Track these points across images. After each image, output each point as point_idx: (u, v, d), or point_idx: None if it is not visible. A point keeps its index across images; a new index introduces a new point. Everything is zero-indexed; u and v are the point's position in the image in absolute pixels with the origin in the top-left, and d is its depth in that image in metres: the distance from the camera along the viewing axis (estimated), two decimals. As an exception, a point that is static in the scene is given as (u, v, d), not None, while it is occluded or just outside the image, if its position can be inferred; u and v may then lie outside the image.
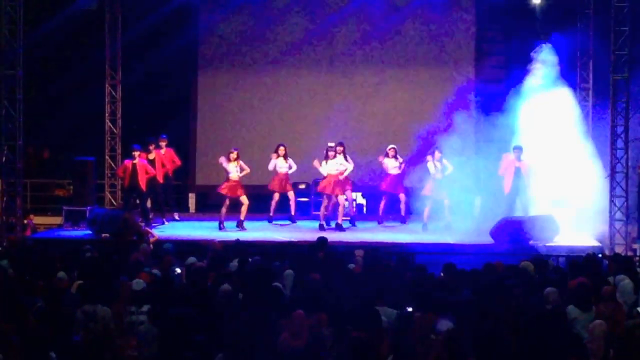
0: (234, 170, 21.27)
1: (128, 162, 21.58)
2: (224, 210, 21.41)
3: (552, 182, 21.33)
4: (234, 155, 21.31)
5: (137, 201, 21.88)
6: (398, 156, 21.97)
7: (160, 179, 22.10)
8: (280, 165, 21.87)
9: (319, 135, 24.17)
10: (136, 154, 21.42)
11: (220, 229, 21.24)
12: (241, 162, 21.35)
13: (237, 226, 21.27)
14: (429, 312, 11.14)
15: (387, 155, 21.99)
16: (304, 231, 21.00)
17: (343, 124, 24.71)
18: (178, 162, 22.96)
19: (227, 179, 21.38)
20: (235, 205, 21.53)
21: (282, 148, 21.90)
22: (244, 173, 21.34)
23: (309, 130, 24.57)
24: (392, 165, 21.96)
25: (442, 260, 15.28)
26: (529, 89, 22.91)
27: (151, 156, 21.96)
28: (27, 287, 13.12)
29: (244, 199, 21.29)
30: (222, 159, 21.22)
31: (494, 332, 10.21)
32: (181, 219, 23.06)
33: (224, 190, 21.35)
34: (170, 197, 23.12)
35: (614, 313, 11.80)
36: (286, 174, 21.92)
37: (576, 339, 10.24)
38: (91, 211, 21.21)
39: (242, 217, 21.33)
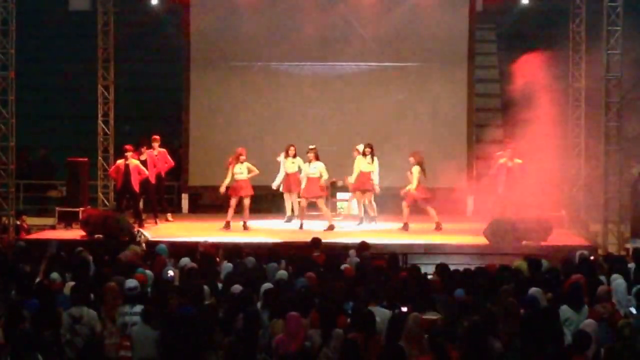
0: (239, 170, 21.27)
1: (120, 163, 21.57)
2: (230, 210, 21.44)
3: (545, 182, 21.37)
4: (243, 156, 21.31)
5: (130, 202, 21.87)
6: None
7: (152, 180, 22.08)
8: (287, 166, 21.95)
9: (312, 135, 24.17)
10: (128, 154, 21.42)
11: (226, 228, 21.23)
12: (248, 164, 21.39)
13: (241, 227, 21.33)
14: (422, 312, 11.16)
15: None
16: (297, 232, 20.99)
17: (336, 124, 24.72)
18: (171, 162, 22.94)
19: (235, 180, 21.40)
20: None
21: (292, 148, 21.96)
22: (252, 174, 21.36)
23: (302, 130, 24.53)
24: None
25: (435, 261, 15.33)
26: (524, 89, 23.02)
27: (143, 157, 21.94)
28: (20, 288, 13.10)
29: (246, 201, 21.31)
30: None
31: (486, 331, 10.22)
32: (174, 220, 23.04)
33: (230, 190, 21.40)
34: (163, 198, 23.09)
35: (611, 313, 11.82)
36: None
37: (582, 337, 10.21)
38: (84, 212, 21.18)
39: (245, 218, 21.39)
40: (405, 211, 21.27)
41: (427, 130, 24.51)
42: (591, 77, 22.65)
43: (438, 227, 21.12)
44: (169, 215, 23.03)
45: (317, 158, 21.30)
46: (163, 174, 22.70)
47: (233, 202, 21.31)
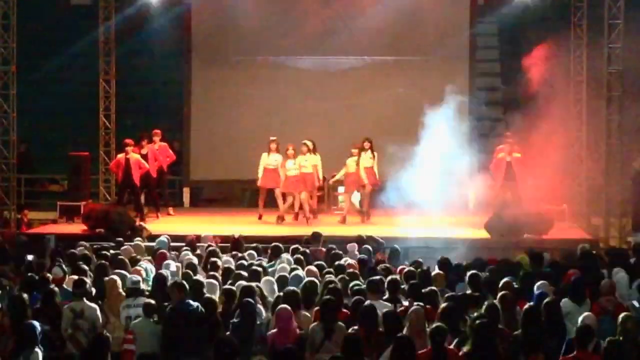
0: (291, 166, 21.13)
1: (121, 157, 21.58)
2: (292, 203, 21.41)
3: (545, 175, 21.38)
4: (291, 151, 21.15)
5: (131, 196, 21.87)
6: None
7: (154, 174, 22.07)
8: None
9: (313, 128, 24.18)
10: (129, 148, 21.43)
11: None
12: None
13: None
14: (424, 306, 11.16)
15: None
16: (296, 226, 21.00)
17: (337, 117, 24.71)
18: (172, 156, 22.93)
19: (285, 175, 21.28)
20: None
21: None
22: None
23: (302, 124, 24.53)
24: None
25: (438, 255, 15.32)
26: (523, 83, 22.99)
27: (144, 151, 21.95)
28: (22, 282, 13.11)
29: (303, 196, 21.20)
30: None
31: (490, 325, 10.22)
32: (175, 214, 23.02)
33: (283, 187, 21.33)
34: (165, 192, 23.08)
35: (615, 307, 11.82)
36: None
37: (585, 331, 10.20)
38: (86, 206, 21.19)
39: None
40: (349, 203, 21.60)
41: (427, 124, 24.47)
42: (593, 70, 22.61)
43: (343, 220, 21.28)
44: (170, 209, 23.02)
45: (277, 150, 21.40)
46: (165, 168, 22.69)
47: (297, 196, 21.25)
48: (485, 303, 11.16)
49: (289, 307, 10.93)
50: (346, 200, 21.87)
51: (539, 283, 12.36)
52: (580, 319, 10.76)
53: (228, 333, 10.93)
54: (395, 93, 24.76)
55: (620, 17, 20.21)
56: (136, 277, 12.54)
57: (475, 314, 10.62)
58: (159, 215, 22.23)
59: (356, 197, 22.94)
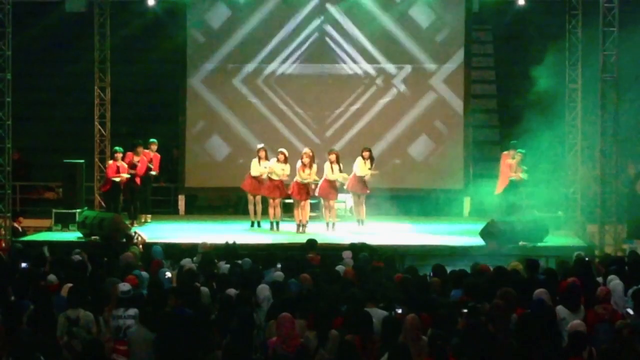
0: (279, 170, 21.12)
1: (113, 164, 21.62)
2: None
3: (542, 182, 21.42)
4: (306, 159, 20.90)
5: (125, 203, 21.87)
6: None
7: (139, 180, 22.03)
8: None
9: (309, 136, 24.21)
10: (118, 155, 21.47)
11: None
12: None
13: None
14: (420, 314, 11.15)
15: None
16: (291, 233, 21.00)
17: (333, 125, 24.70)
18: (156, 170, 22.78)
19: (270, 179, 21.29)
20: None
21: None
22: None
23: (299, 131, 24.56)
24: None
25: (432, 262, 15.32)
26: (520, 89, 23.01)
27: (136, 158, 21.92)
28: (17, 289, 13.09)
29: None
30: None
31: (483, 332, 10.22)
32: (171, 221, 22.98)
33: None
34: (148, 199, 22.91)
35: (611, 315, 11.81)
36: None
37: (578, 337, 10.21)
38: (81, 214, 21.16)
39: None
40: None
41: (423, 132, 24.51)
42: (587, 77, 22.64)
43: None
44: (149, 217, 22.87)
45: (267, 157, 21.43)
46: (152, 177, 22.65)
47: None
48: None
49: (289, 314, 10.90)
50: (328, 207, 21.77)
51: (538, 291, 12.35)
52: (569, 326, 10.77)
53: (225, 340, 10.92)
54: (391, 100, 24.76)
55: (615, 24, 20.24)
56: (126, 287, 12.45)
57: (469, 321, 10.63)
58: (135, 223, 21.99)
59: (349, 204, 22.99)
